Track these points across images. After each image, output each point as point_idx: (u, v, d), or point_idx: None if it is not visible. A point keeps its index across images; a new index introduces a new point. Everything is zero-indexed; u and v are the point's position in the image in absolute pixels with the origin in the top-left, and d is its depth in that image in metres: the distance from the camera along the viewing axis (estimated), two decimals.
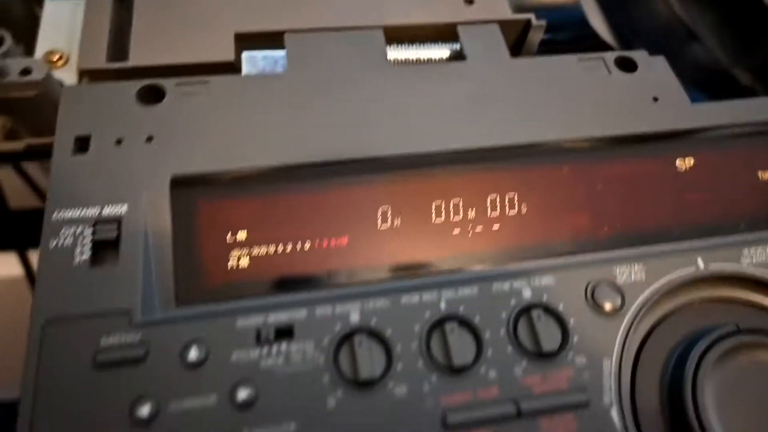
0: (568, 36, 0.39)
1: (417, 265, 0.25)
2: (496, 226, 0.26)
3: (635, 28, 0.41)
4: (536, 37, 0.34)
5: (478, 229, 0.26)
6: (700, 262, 0.25)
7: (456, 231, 0.26)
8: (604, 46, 0.39)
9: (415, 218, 0.26)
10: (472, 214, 0.27)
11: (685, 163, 0.29)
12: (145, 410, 0.20)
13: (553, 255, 0.25)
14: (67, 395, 0.20)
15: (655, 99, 0.30)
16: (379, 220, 0.26)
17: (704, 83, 0.39)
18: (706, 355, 0.22)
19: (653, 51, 0.32)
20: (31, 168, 0.52)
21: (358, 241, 0.25)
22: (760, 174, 0.29)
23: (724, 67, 0.38)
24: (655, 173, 0.28)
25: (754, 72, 0.37)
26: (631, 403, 0.22)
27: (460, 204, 0.27)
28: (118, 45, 0.30)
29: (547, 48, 0.36)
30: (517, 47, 0.35)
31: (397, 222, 0.26)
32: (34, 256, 0.53)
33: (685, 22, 0.41)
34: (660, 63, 0.32)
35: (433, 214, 0.26)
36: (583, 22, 0.40)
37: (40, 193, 0.55)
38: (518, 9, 0.35)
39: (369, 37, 0.30)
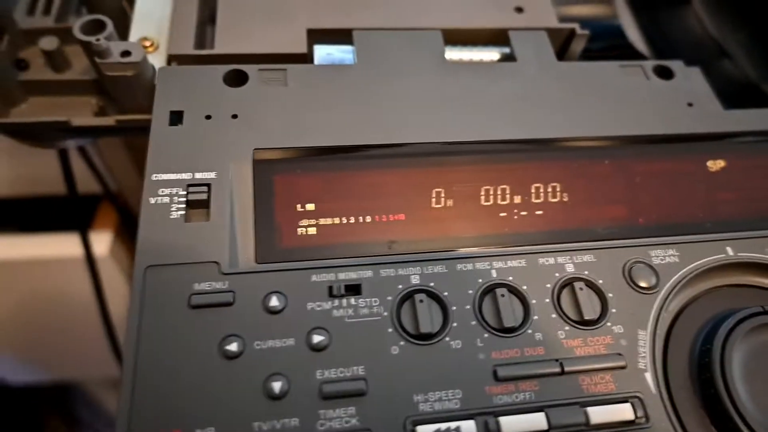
0: (606, 46, 0.42)
1: (468, 239, 0.27)
2: (539, 212, 0.29)
3: (668, 42, 0.44)
4: (579, 45, 0.37)
5: (523, 213, 0.29)
6: (729, 250, 0.28)
7: (502, 213, 0.29)
8: (639, 57, 0.41)
9: (465, 200, 0.29)
10: (517, 199, 0.29)
11: (715, 164, 0.31)
12: (233, 346, 0.23)
13: (593, 239, 0.28)
14: (166, 330, 0.23)
15: (690, 104, 0.33)
16: (433, 200, 0.29)
17: (734, 97, 0.42)
18: (734, 330, 0.25)
19: (686, 64, 0.35)
20: (95, 156, 0.56)
21: (413, 217, 0.28)
22: None
23: (754, 81, 0.40)
24: (688, 172, 0.31)
25: None
26: (663, 370, 0.25)
27: (507, 190, 0.29)
28: (203, 34, 0.34)
29: (587, 56, 0.39)
30: (561, 54, 0.37)
31: (450, 202, 0.29)
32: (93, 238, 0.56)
33: (716, 38, 0.43)
34: (695, 73, 0.34)
35: (482, 198, 0.29)
36: (619, 33, 0.42)
37: (101, 178, 0.59)
38: (561, 20, 0.38)
39: (429, 38, 0.33)
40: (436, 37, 0.33)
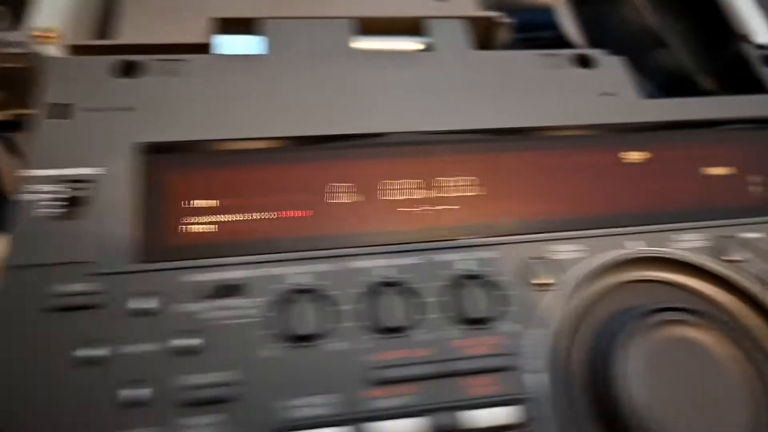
0: (541, 37, 0.41)
1: (364, 236, 0.26)
2: (441, 207, 0.28)
3: (606, 34, 0.43)
4: (503, 34, 0.35)
5: (425, 208, 0.28)
6: (638, 245, 0.27)
7: (403, 209, 0.28)
8: (572, 48, 0.40)
9: (365, 195, 0.28)
10: (420, 194, 0.28)
11: (630, 156, 0.30)
12: (92, 351, 0.22)
13: (498, 234, 0.27)
14: (19, 334, 0.22)
15: (606, 94, 0.32)
16: (332, 195, 0.28)
17: (669, 87, 0.41)
18: (629, 329, 0.24)
19: (620, 55, 0.34)
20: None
21: (307, 214, 0.27)
22: (702, 169, 0.30)
23: (689, 72, 0.39)
24: (600, 164, 0.30)
25: (716, 77, 0.39)
26: (563, 371, 0.24)
27: (409, 184, 0.28)
28: (105, 24, 0.32)
29: (518, 47, 0.38)
30: (486, 44, 0.36)
31: (354, 198, 0.28)
32: None
33: (655, 29, 0.42)
34: (617, 62, 0.33)
35: (380, 192, 0.28)
36: (554, 25, 0.41)
37: None
38: (495, 8, 0.37)
39: (339, 26, 0.32)
40: (347, 26, 0.32)
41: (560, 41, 0.40)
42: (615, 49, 0.37)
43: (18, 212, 0.24)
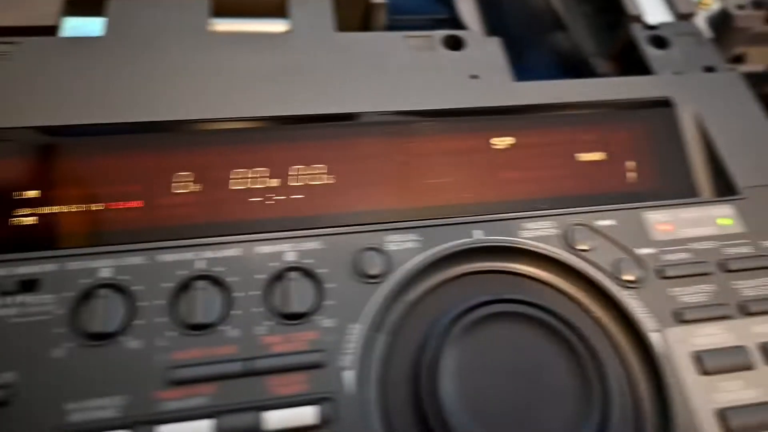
0: (433, 19, 0.39)
1: (190, 228, 0.25)
2: (292, 195, 0.26)
3: (504, 14, 0.41)
4: (379, 14, 0.34)
5: (274, 196, 0.26)
6: (478, 234, 0.25)
7: (249, 198, 0.26)
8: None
9: (211, 184, 0.26)
10: (271, 182, 0.27)
11: (488, 141, 0.28)
12: None
13: (325, 225, 0.25)
14: None
15: (474, 76, 0.30)
16: (173, 185, 0.26)
17: (567, 70, 0.39)
18: (452, 325, 0.22)
19: (520, 38, 0.32)
20: None
21: (149, 204, 0.25)
22: (561, 155, 0.28)
23: (585, 55, 0.38)
24: (463, 149, 0.28)
25: (613, 60, 0.37)
26: (383, 369, 0.22)
27: (260, 172, 0.27)
28: None
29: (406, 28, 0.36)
30: (367, 25, 0.35)
31: (194, 187, 0.26)
32: None
33: (557, 11, 0.40)
34: (491, 43, 0.32)
35: (216, 182, 0.26)
36: (448, 6, 0.40)
37: None
38: None
39: (192, 7, 0.30)
40: (201, 6, 0.31)
41: (453, 23, 0.39)
42: (517, 31, 0.35)
43: None
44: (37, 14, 0.30)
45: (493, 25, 0.41)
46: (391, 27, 0.35)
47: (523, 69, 0.33)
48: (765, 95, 0.38)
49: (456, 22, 0.39)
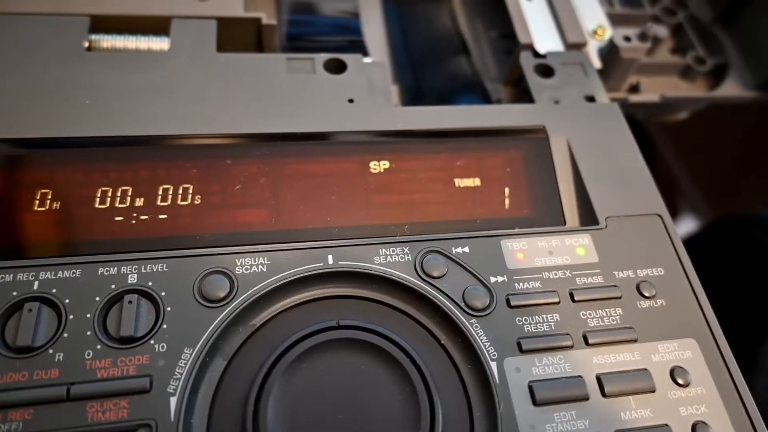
0: (334, 42, 0.39)
1: (34, 247, 0.24)
2: (157, 215, 0.26)
3: (412, 37, 0.42)
4: (271, 36, 0.34)
5: (122, 216, 0.26)
6: (330, 259, 0.25)
7: (92, 216, 0.26)
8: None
9: (75, 202, 0.26)
10: (136, 201, 0.26)
11: (365, 165, 0.28)
12: None
13: (173, 247, 0.25)
14: None
15: (351, 101, 0.30)
16: (37, 202, 0.26)
17: (467, 95, 0.40)
18: (284, 352, 0.22)
19: (424, 61, 0.33)
20: None
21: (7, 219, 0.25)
22: (429, 181, 0.29)
23: (483, 81, 0.38)
24: (323, 172, 0.28)
25: (508, 86, 0.38)
26: (213, 395, 0.22)
27: (125, 191, 0.26)
28: None
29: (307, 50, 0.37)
30: (260, 47, 0.35)
31: (56, 205, 0.26)
32: None
33: (463, 34, 0.41)
34: (375, 67, 0.32)
35: (98, 200, 0.26)
36: (355, 29, 0.40)
37: None
38: (295, 9, 0.36)
39: (70, 24, 0.30)
40: (81, 24, 0.30)
41: (355, 46, 0.39)
42: (423, 55, 0.36)
43: None
44: None
45: (400, 49, 0.41)
46: (291, 50, 0.36)
47: (422, 93, 0.34)
48: (662, 123, 0.39)
49: (356, 46, 0.39)
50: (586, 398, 0.23)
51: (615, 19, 0.40)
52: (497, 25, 0.41)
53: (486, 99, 0.38)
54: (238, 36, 0.34)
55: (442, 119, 0.30)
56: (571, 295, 0.25)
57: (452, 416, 0.22)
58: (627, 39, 0.35)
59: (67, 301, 0.23)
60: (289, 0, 0.40)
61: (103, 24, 0.31)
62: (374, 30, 0.41)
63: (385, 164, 0.29)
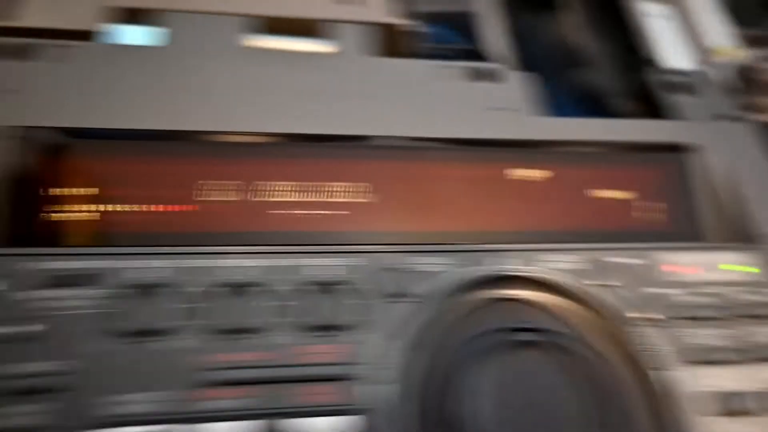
0: (458, 48, 0.41)
1: (226, 235, 0.26)
2: (319, 211, 0.28)
3: (528, 47, 0.43)
4: (411, 41, 0.35)
5: (303, 210, 0.27)
6: (501, 263, 0.27)
7: (282, 210, 0.27)
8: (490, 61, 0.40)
9: (245, 194, 0.27)
10: (298, 196, 0.28)
11: (513, 173, 0.30)
12: None
13: (364, 242, 0.26)
14: None
15: (502, 109, 0.32)
16: (197, 193, 0.27)
17: (588, 107, 0.41)
18: (476, 349, 0.24)
19: (542, 72, 0.34)
20: None
21: (177, 209, 0.27)
22: (584, 191, 0.30)
23: (605, 93, 0.40)
24: (479, 179, 0.29)
25: (634, 100, 0.39)
26: (412, 384, 0.23)
27: (291, 186, 0.28)
28: (4, 6, 0.32)
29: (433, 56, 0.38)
30: (393, 50, 0.36)
31: (228, 196, 0.28)
32: None
33: (582, 48, 0.42)
34: (520, 77, 0.33)
35: (264, 192, 0.27)
36: (473, 36, 0.41)
37: None
38: (417, 15, 0.37)
39: (232, 23, 0.32)
40: (240, 23, 0.32)
41: (481, 56, 0.40)
42: (543, 65, 0.37)
43: None
44: (76, 18, 0.31)
45: (518, 57, 0.42)
46: (418, 55, 0.37)
47: (545, 104, 0.35)
48: None
49: (481, 54, 0.40)
50: (750, 414, 0.24)
51: (744, 39, 0.41)
52: (617, 38, 0.42)
53: (608, 112, 0.39)
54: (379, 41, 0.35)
55: (586, 131, 0.31)
56: (741, 311, 0.26)
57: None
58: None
59: (274, 288, 0.24)
60: (410, 6, 0.41)
61: (265, 25, 0.33)
62: (495, 38, 0.42)
63: (543, 173, 0.30)
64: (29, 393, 0.21)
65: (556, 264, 0.27)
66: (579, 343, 0.24)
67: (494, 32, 0.42)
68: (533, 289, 0.27)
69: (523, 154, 0.30)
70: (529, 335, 0.24)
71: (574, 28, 0.43)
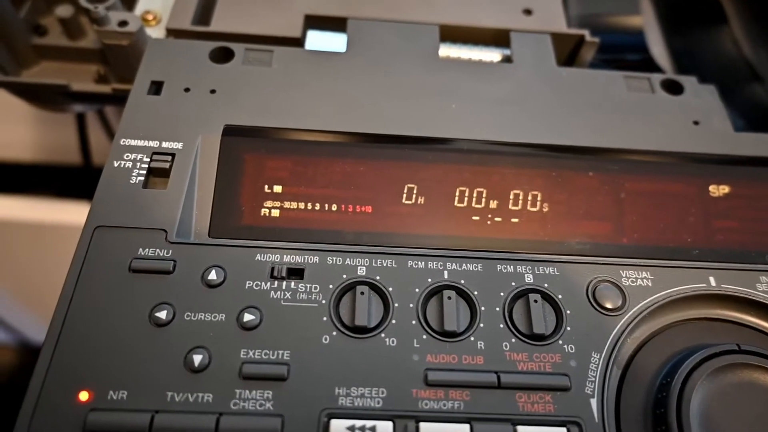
0: (628, 58, 0.40)
1: (430, 237, 0.26)
2: (514, 219, 0.27)
3: (696, 61, 0.41)
4: (588, 52, 0.35)
5: (497, 218, 0.27)
6: (712, 281, 0.25)
7: (475, 217, 0.27)
8: (660, 72, 0.39)
9: (437, 199, 0.28)
10: (493, 204, 0.28)
11: (715, 189, 0.29)
12: (163, 314, 0.23)
13: (565, 252, 0.26)
14: (101, 290, 0.23)
15: (696, 123, 0.30)
16: (404, 196, 0.28)
17: (761, 123, 0.39)
18: (698, 367, 0.23)
19: (710, 83, 0.33)
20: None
21: (380, 211, 0.27)
22: None
23: None
24: (685, 194, 0.28)
25: None
26: (615, 399, 0.23)
27: (484, 193, 0.28)
28: (204, 11, 0.34)
29: (602, 66, 0.37)
30: (570, 61, 0.36)
31: (421, 200, 0.28)
32: None
33: (751, 61, 0.40)
34: (707, 90, 0.32)
35: (456, 198, 0.28)
36: (643, 47, 0.40)
37: None
38: (582, 24, 0.37)
39: (423, 32, 0.32)
40: (431, 32, 0.33)
41: (647, 65, 0.39)
42: (705, 78, 0.35)
43: (104, 176, 0.26)
44: (284, 26, 0.33)
45: (683, 71, 0.41)
46: (595, 65, 0.36)
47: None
48: None
49: (647, 64, 0.39)
50: None
51: None
52: None
53: None
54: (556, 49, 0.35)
55: None
56: None
57: None
58: None
59: (476, 292, 0.24)
60: (574, 14, 0.40)
61: (449, 33, 0.33)
62: (659, 50, 0.41)
63: (731, 189, 0.29)
64: (254, 379, 0.22)
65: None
66: None
67: (659, 44, 0.41)
68: (743, 311, 0.25)
69: (724, 170, 0.29)
70: (751, 359, 0.23)
71: (745, 40, 0.41)
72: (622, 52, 0.41)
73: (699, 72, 0.40)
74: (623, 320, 0.24)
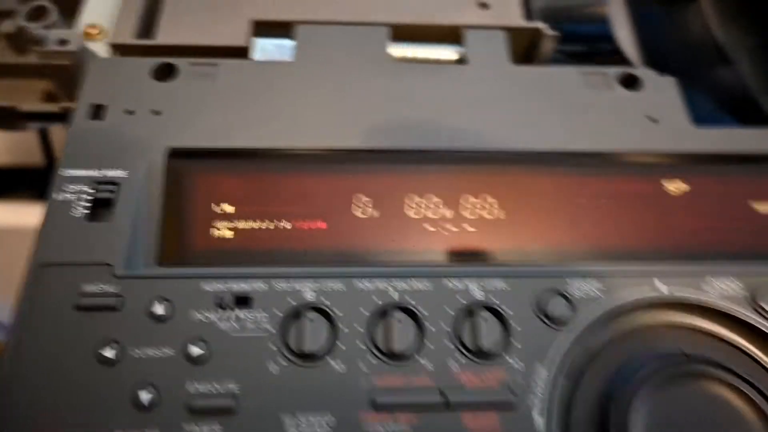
0: (592, 49, 0.38)
1: (376, 253, 0.26)
2: (466, 228, 0.27)
3: (665, 47, 0.40)
4: (547, 46, 0.34)
5: (448, 227, 0.27)
6: (662, 287, 0.25)
7: (427, 227, 0.27)
8: (625, 62, 0.38)
9: (389, 211, 0.27)
10: (445, 213, 0.28)
11: (673, 186, 0.28)
12: (109, 352, 0.23)
13: (513, 263, 0.26)
14: (49, 330, 0.23)
15: (653, 119, 0.30)
16: (355, 209, 0.27)
17: (731, 109, 0.38)
18: (644, 378, 0.23)
19: (679, 70, 0.32)
20: None
21: (334, 226, 0.27)
22: (752, 205, 0.28)
23: (753, 94, 0.36)
24: (639, 193, 0.28)
25: None
26: (565, 415, 0.23)
27: (435, 203, 0.28)
28: (148, 24, 0.33)
29: (571, 58, 0.36)
30: (529, 56, 0.35)
31: (372, 212, 0.28)
32: None
33: (721, 44, 0.39)
34: (667, 83, 0.31)
35: (408, 209, 0.27)
36: (607, 35, 0.39)
37: None
38: (546, 17, 0.36)
39: (373, 33, 0.32)
40: (382, 33, 0.32)
41: (613, 55, 0.38)
42: (670, 63, 0.35)
43: (47, 211, 0.25)
44: (230, 34, 0.32)
45: (651, 56, 0.40)
46: (555, 60, 0.35)
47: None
48: None
49: (614, 54, 0.38)
50: None
51: None
52: (759, 32, 0.39)
53: (757, 115, 0.36)
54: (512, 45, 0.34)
55: (745, 142, 0.29)
56: None
57: None
58: None
59: (424, 311, 0.24)
60: (537, 6, 0.39)
61: (399, 32, 0.32)
62: (624, 35, 0.39)
63: (686, 187, 0.28)
64: (201, 413, 0.22)
65: (720, 287, 0.25)
66: (742, 381, 0.22)
67: (625, 31, 0.40)
68: (696, 316, 0.25)
69: (678, 167, 0.28)
70: (697, 367, 0.23)
71: (714, 20, 0.40)
72: (594, 42, 0.39)
73: (667, 57, 0.40)
74: (572, 332, 0.24)
